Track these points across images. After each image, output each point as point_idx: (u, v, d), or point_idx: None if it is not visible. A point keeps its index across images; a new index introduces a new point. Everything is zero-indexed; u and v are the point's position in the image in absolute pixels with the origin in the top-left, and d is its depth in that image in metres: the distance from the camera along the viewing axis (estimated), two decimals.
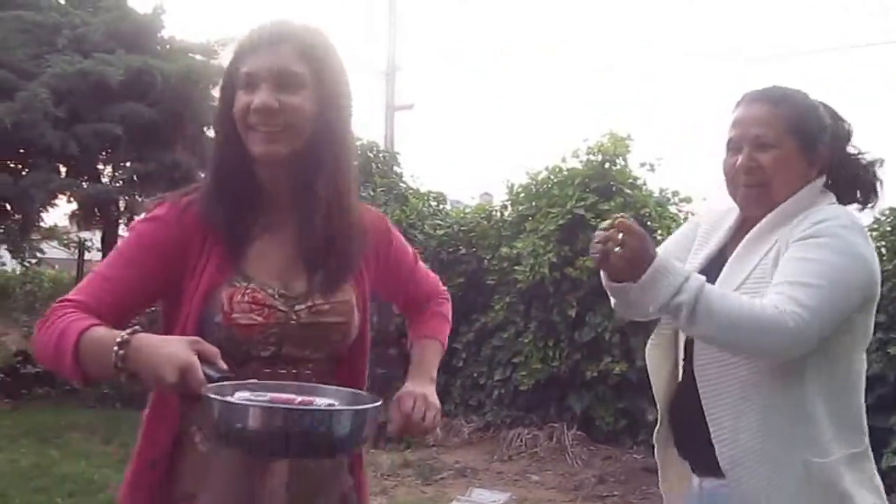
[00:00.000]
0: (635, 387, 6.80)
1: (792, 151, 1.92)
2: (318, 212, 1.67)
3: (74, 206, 9.88)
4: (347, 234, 1.72)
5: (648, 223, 7.21)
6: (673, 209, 7.50)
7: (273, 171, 1.67)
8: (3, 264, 15.29)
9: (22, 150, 9.03)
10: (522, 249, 7.40)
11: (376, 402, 1.48)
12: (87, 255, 12.77)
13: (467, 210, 8.96)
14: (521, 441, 6.98)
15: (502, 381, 7.53)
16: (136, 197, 9.22)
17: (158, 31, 9.74)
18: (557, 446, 6.80)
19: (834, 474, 1.77)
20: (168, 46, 9.76)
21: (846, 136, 2.02)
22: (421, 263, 2.01)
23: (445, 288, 2.07)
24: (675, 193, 7.62)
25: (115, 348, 1.46)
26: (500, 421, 7.34)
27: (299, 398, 1.47)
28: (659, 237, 7.32)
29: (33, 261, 14.86)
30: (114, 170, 9.89)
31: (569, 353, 7.13)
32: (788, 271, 1.76)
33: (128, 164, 9.49)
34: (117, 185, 9.36)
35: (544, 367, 7.15)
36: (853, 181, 2.01)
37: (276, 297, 1.65)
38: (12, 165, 9.10)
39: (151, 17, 9.64)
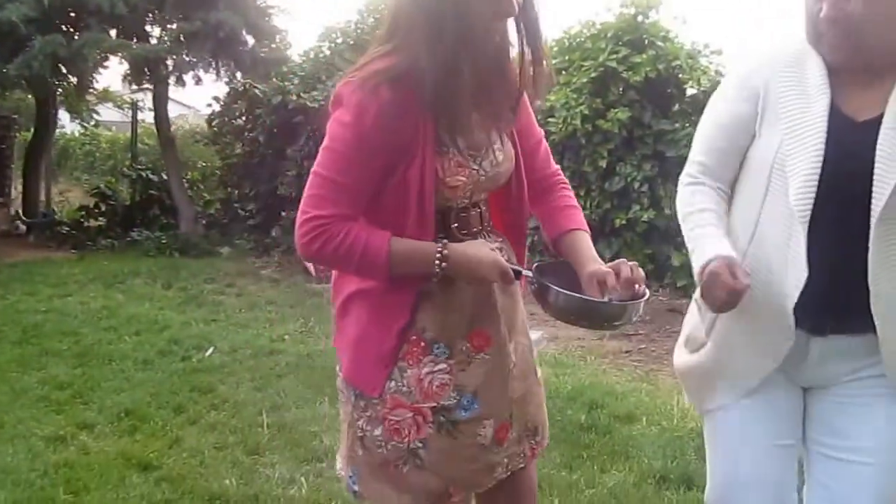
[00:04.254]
0: (662, 233, 7.12)
1: None
2: (502, 71, 1.81)
3: (125, 67, 10.17)
4: (513, 87, 1.84)
5: (679, 75, 7.34)
6: (704, 61, 7.57)
7: (483, 49, 1.75)
8: (63, 127, 15.77)
9: (73, 13, 9.30)
10: (555, 102, 7.57)
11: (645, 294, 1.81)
12: (139, 116, 13.15)
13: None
14: None
15: (534, 229, 7.79)
16: (184, 56, 9.48)
17: None
18: None
19: None
20: None
21: None
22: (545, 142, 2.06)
23: None
24: (706, 46, 7.66)
25: (437, 261, 1.71)
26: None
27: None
28: (690, 89, 7.48)
29: (91, 122, 15.45)
30: (161, 30, 10.15)
31: (599, 202, 7.40)
32: None
33: (174, 24, 9.72)
34: (165, 44, 9.61)
35: None
36: None
37: (469, 157, 1.78)
38: (65, 28, 9.38)
39: None
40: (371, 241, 1.69)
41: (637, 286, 1.79)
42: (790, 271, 1.80)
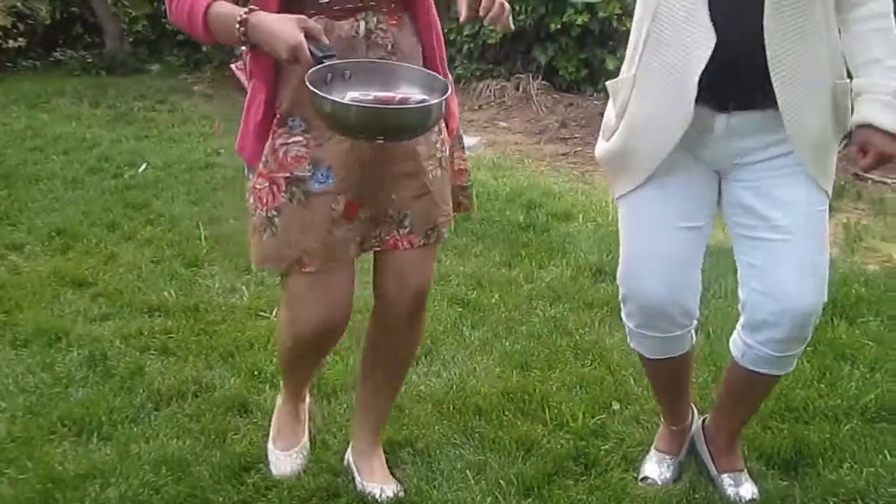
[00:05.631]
0: (596, 38, 7.02)
1: None
2: None
3: None
4: None
5: None
6: None
7: None
8: None
9: None
10: None
11: (447, 90, 1.75)
12: None
13: None
14: (490, 92, 7.28)
15: (471, 37, 7.64)
16: None
17: None
18: (523, 96, 7.12)
19: (843, 93, 1.90)
20: None
21: None
22: None
23: None
24: None
25: (237, 26, 1.72)
26: (469, 74, 7.56)
27: (397, 96, 1.75)
28: None
29: None
30: None
31: (534, 7, 7.18)
32: None
33: None
34: None
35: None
36: None
37: None
38: None
39: None
40: (196, 2, 1.77)
41: None
42: (694, 43, 1.82)
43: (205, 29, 1.77)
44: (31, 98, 7.74)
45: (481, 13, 1.74)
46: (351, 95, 1.73)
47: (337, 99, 1.67)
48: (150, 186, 4.95)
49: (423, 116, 1.72)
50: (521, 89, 7.19)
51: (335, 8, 1.83)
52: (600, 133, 2.10)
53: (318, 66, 1.69)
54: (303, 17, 1.73)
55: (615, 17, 6.74)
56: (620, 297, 2.10)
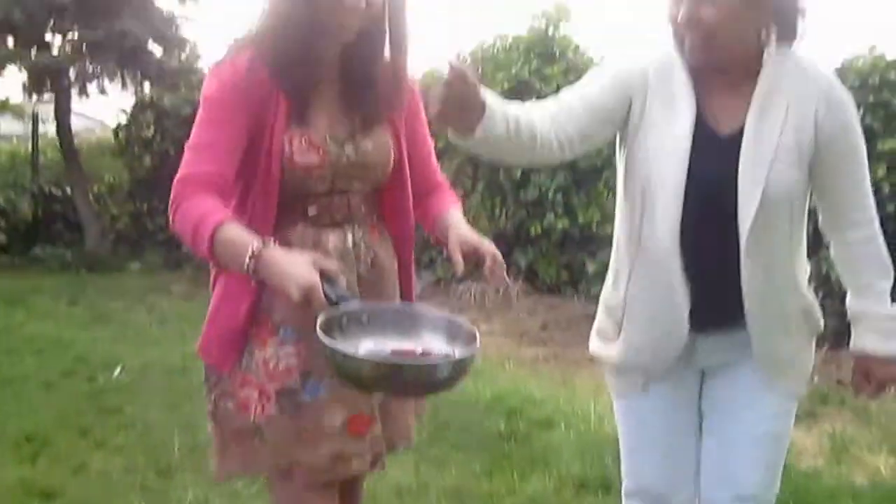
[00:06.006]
0: (576, 242, 7.19)
1: (736, 1, 1.81)
2: (367, 69, 1.86)
3: (25, 76, 9.83)
4: (388, 81, 1.89)
5: None
6: None
7: (336, 36, 1.82)
8: None
9: None
10: None
11: (474, 341, 1.63)
12: (42, 128, 12.70)
13: (417, 79, 9.02)
14: (471, 295, 7.35)
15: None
16: (87, 65, 9.21)
17: None
18: (504, 299, 7.21)
19: (811, 306, 2.00)
20: None
21: None
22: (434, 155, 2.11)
23: None
24: None
25: (248, 259, 1.64)
26: (450, 276, 7.67)
27: (419, 348, 1.65)
28: None
29: None
30: (62, 39, 9.83)
31: (514, 211, 7.42)
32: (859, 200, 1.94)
33: (75, 33, 9.44)
34: (66, 53, 9.33)
35: (491, 224, 7.43)
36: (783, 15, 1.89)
37: (327, 139, 1.85)
38: None
39: None
40: (208, 218, 1.69)
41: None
42: (676, 287, 1.90)
43: (210, 250, 1.68)
44: (8, 296, 7.72)
45: (480, 266, 1.77)
46: (366, 346, 1.63)
47: (349, 352, 1.56)
48: (124, 390, 4.87)
49: (451, 372, 1.57)
50: (501, 292, 7.28)
51: (323, 220, 1.87)
52: (594, 331, 2.14)
53: (332, 311, 1.60)
54: (319, 255, 1.70)
55: (595, 222, 6.93)
56: (624, 489, 2.14)
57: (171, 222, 1.76)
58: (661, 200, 1.87)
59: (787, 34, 1.89)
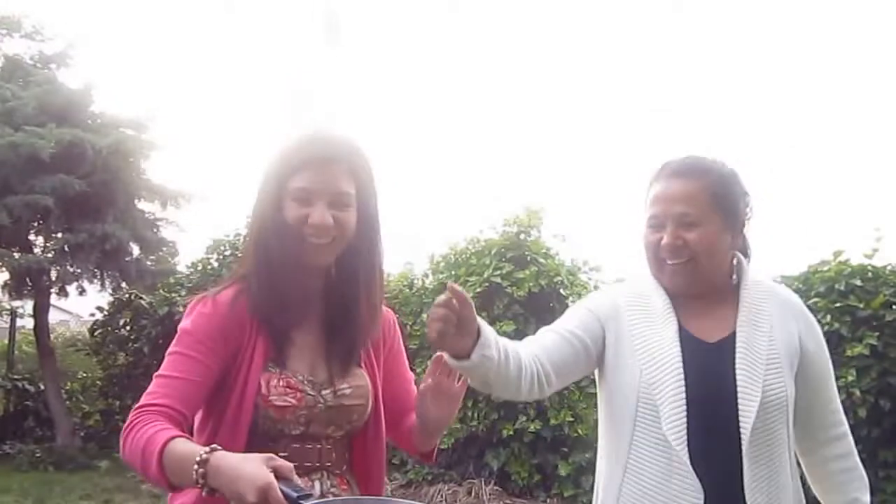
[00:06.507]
0: (548, 444, 7.23)
1: (716, 227, 1.92)
2: (347, 307, 1.88)
3: (6, 275, 9.97)
4: (360, 325, 1.91)
5: (560, 290, 7.68)
6: (584, 277, 8.01)
7: (312, 274, 1.87)
8: None
9: None
10: None
11: None
12: (19, 323, 12.75)
13: (391, 278, 9.15)
14: (442, 497, 7.30)
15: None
16: (68, 267, 9.38)
17: (89, 105, 9.95)
18: (476, 501, 7.15)
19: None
20: (99, 120, 9.94)
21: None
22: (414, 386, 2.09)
23: None
24: (585, 262, 8.13)
25: (196, 466, 1.55)
26: (421, 478, 7.64)
27: None
28: (570, 302, 7.81)
29: None
30: (45, 240, 10.05)
31: (486, 413, 7.46)
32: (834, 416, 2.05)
33: (59, 234, 9.66)
34: (49, 255, 9.51)
35: (463, 426, 7.46)
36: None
37: (305, 382, 1.84)
38: None
39: (82, 92, 9.89)
40: (157, 436, 1.63)
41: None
42: (683, 494, 1.88)
43: (158, 468, 1.60)
44: None
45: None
46: None
47: None
48: None
49: None
50: (473, 494, 7.23)
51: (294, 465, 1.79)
52: None
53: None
54: (270, 454, 1.60)
55: (567, 423, 6.98)
56: None
57: (121, 450, 1.71)
58: (664, 410, 1.89)
59: (746, 252, 2.04)
